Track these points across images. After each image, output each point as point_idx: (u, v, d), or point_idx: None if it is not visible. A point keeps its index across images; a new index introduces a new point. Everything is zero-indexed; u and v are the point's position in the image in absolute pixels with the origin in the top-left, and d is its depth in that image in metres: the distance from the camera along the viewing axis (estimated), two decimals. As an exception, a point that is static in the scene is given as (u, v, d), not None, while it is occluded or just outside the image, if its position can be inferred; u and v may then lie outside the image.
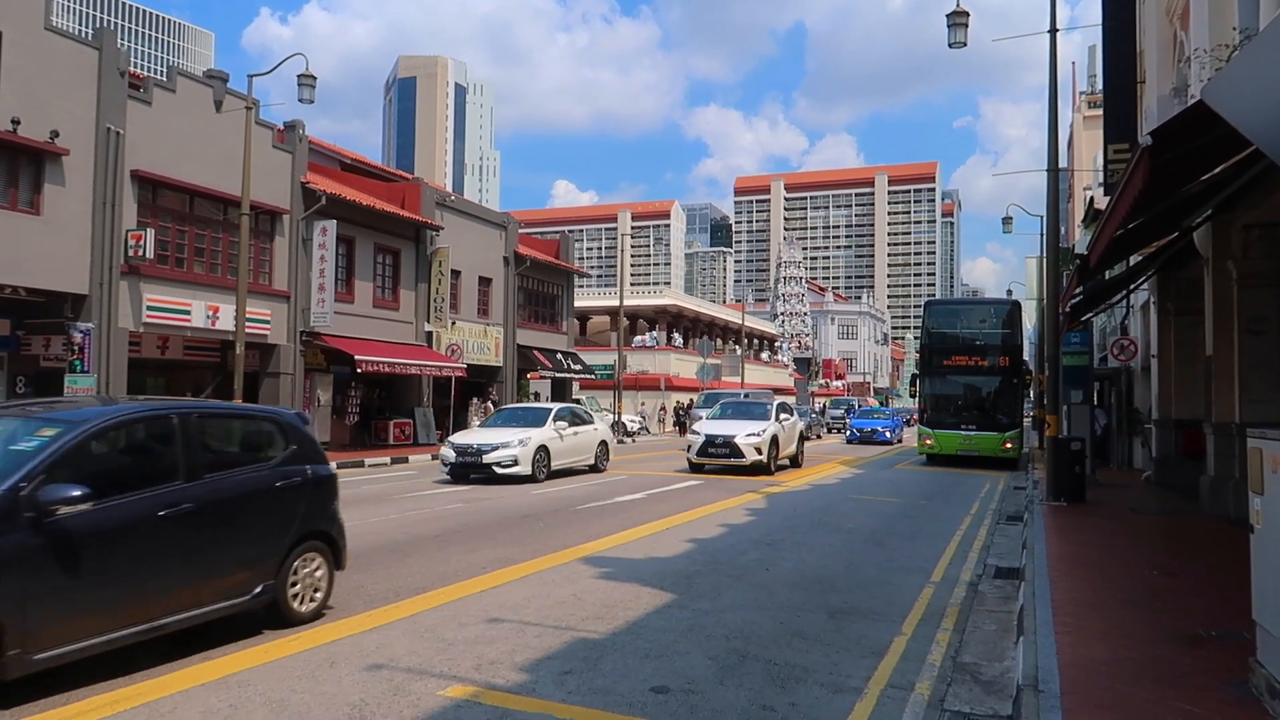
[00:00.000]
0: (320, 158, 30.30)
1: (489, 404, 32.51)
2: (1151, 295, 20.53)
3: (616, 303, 47.14)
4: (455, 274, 31.72)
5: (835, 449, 33.89)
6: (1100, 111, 21.43)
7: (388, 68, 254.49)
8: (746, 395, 32.77)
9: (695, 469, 21.16)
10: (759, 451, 20.33)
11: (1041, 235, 30.20)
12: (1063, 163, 45.66)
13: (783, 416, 22.20)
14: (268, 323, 23.77)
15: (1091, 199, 29.80)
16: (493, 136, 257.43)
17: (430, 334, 30.27)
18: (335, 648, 6.30)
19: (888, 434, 37.32)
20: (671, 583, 8.66)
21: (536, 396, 39.46)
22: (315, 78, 20.19)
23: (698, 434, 21.26)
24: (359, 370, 25.47)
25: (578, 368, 39.87)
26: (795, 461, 23.03)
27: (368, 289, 27.79)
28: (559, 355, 38.62)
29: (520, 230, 37.16)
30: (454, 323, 31.33)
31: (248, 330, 21.48)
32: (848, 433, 38.58)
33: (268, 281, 24.15)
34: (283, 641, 6.42)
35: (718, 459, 20.59)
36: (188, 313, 21.56)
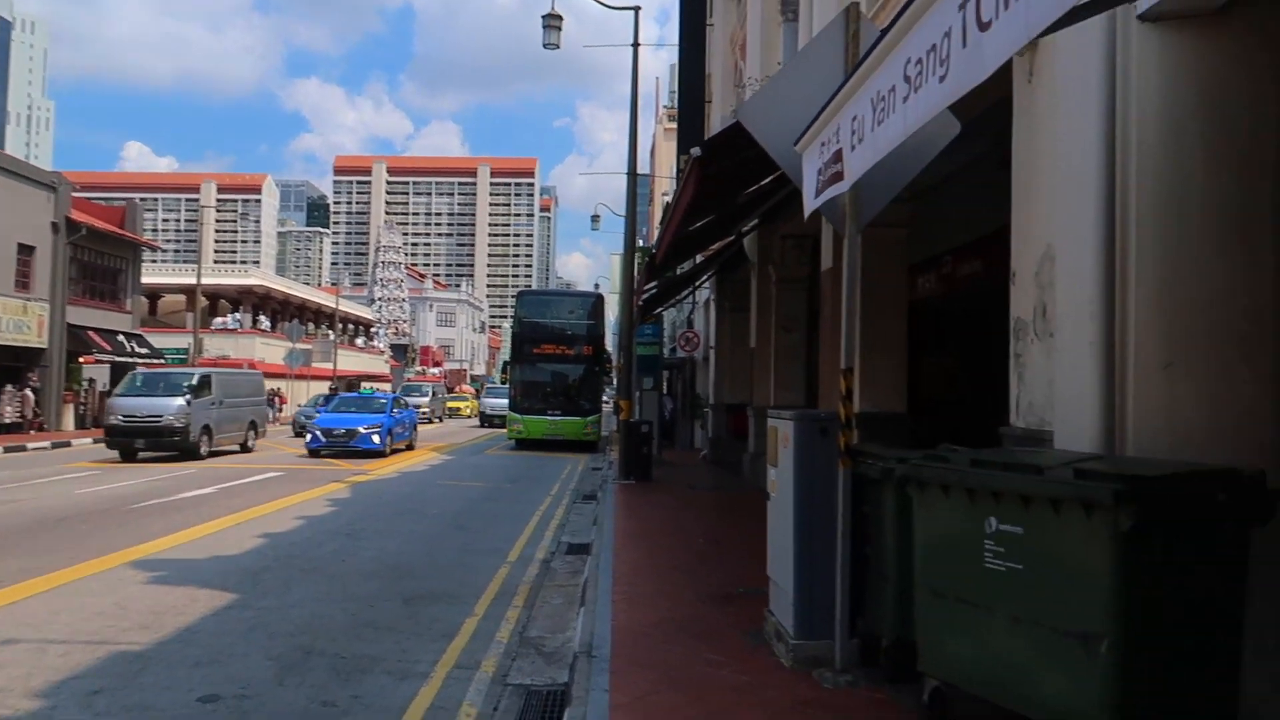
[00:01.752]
0: None
1: (28, 391, 28.05)
2: (712, 293, 22.97)
3: (195, 280, 42.95)
4: (-17, 238, 26.87)
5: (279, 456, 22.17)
6: (677, 125, 23.54)
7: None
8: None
9: None
10: None
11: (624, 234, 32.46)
12: (646, 169, 49.53)
13: None
14: None
15: (668, 203, 32.71)
16: (45, 83, 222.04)
17: (-53, 307, 25.37)
18: None
19: (376, 439, 22.60)
20: (235, 582, 8.05)
21: (91, 383, 34.72)
22: None
23: None
24: None
25: (144, 351, 35.69)
26: None
27: None
28: (120, 337, 34.30)
29: (77, 194, 32.40)
30: (-20, 295, 26.53)
31: None
32: (308, 437, 23.22)
33: None
34: None
35: None
36: None
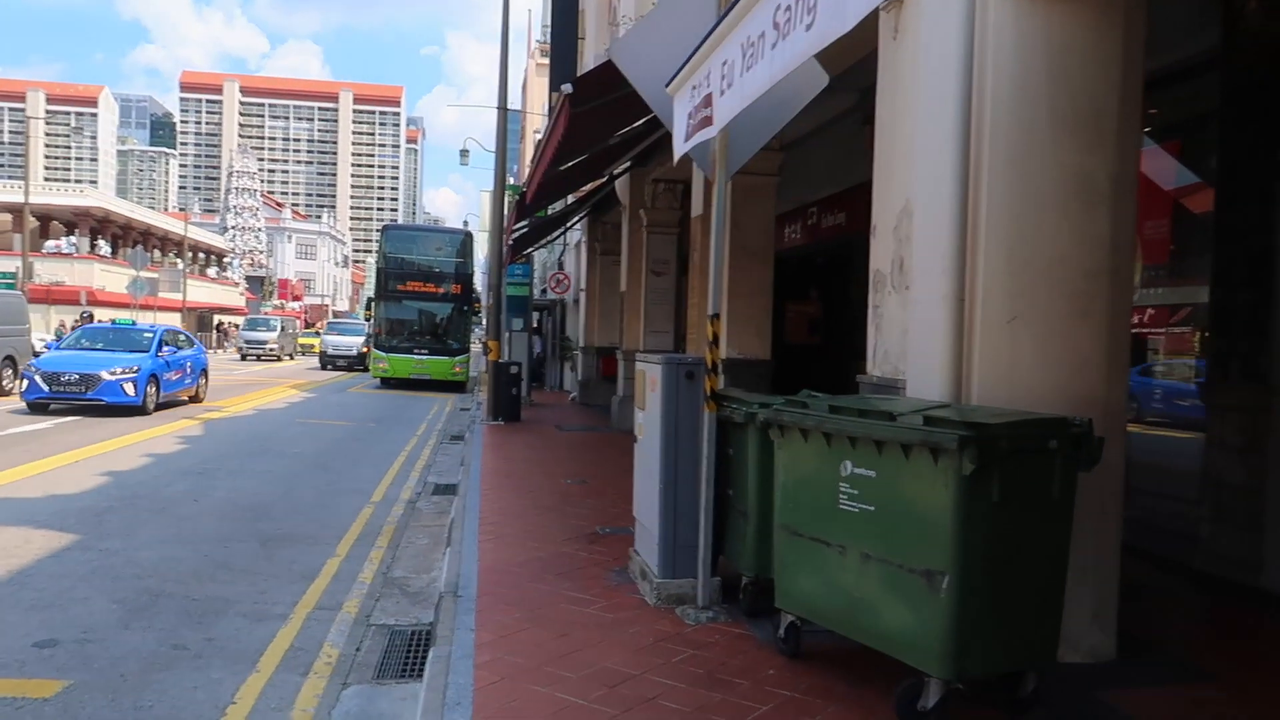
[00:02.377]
0: None
1: None
2: (583, 235, 22.86)
3: (22, 198, 39.75)
4: None
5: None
6: (549, 60, 23.09)
7: None
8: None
9: None
10: None
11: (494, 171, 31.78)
12: (517, 104, 48.47)
13: None
14: None
15: (539, 141, 32.21)
16: None
17: None
18: None
19: (129, 388, 15.84)
20: (76, 522, 7.65)
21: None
22: None
23: None
24: None
25: (-34, 275, 33.06)
26: None
27: None
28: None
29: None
30: None
31: None
32: (24, 385, 16.24)
33: None
34: None
35: None
36: None
